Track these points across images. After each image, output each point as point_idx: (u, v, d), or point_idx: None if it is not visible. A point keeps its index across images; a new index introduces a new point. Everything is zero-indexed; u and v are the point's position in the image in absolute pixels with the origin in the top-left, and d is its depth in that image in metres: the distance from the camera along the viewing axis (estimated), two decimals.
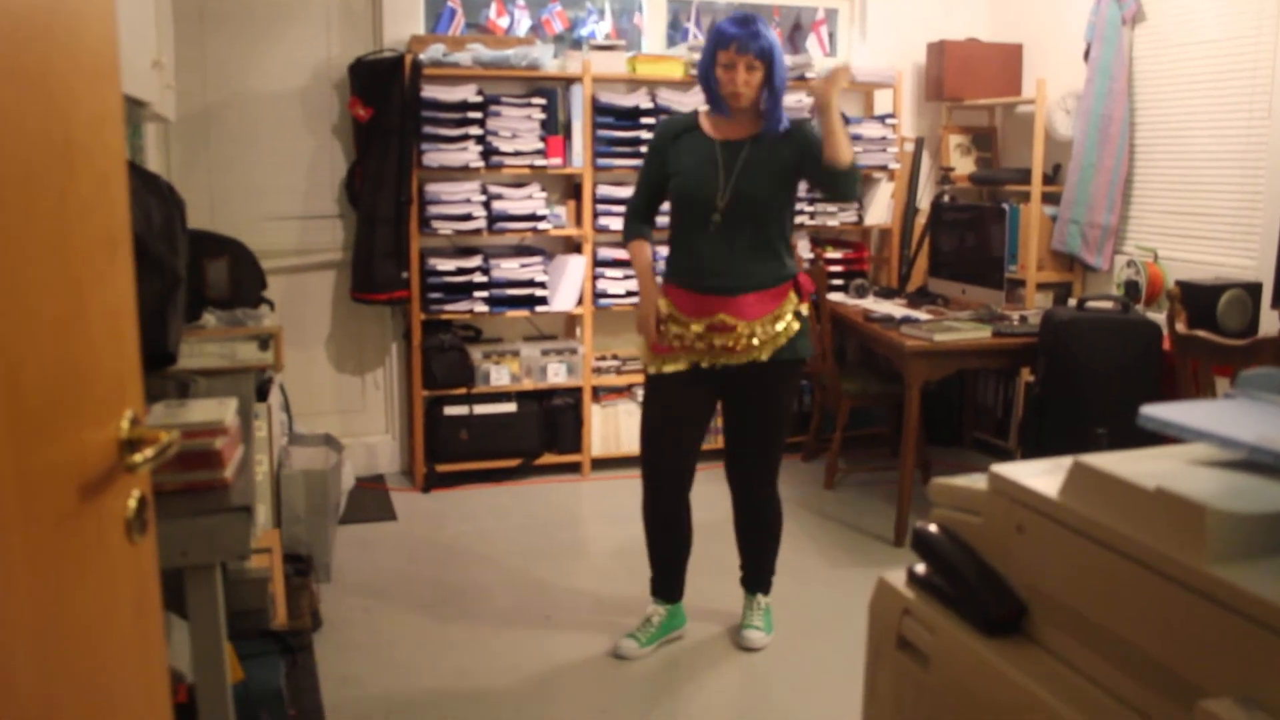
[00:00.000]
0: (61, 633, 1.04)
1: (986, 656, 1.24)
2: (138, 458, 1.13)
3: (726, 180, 2.99)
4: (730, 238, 3.00)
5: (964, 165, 5.47)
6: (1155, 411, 1.17)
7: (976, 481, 1.40)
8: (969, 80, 5.23)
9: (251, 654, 2.26)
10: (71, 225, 1.11)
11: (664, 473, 3.16)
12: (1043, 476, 1.26)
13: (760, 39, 2.91)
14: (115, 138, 1.24)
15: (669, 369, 3.09)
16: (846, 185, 2.96)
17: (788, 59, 4.99)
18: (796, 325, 3.07)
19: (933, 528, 1.44)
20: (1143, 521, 1.09)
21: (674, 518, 3.21)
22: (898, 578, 1.45)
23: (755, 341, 3.01)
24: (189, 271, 2.57)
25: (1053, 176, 5.08)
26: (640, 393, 4.93)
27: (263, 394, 3.13)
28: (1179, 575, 1.03)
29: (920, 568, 1.43)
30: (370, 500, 4.60)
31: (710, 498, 3.75)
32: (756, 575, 3.37)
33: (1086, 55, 4.78)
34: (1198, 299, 3.72)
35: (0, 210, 0.95)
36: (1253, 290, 3.82)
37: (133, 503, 1.18)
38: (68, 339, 1.08)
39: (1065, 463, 1.25)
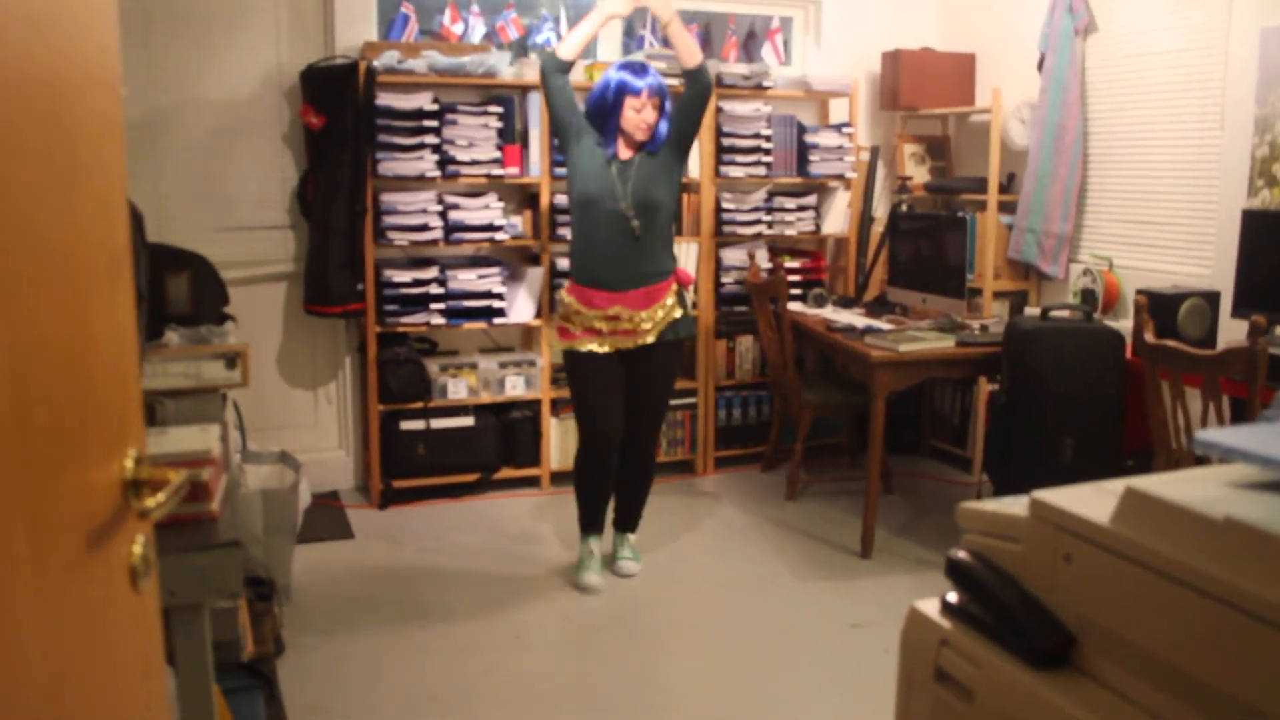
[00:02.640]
0: (74, 696, 0.95)
1: (1037, 690, 1.20)
2: (150, 503, 1.04)
3: (626, 191, 3.58)
4: (627, 242, 3.59)
5: (918, 174, 5.49)
6: (1210, 437, 1.15)
7: (1010, 506, 1.36)
8: (923, 89, 5.25)
9: (230, 690, 2.16)
10: (73, 248, 1.03)
11: (606, 435, 3.69)
12: (1089, 502, 1.23)
13: (661, 83, 3.61)
14: (115, 153, 1.15)
15: (586, 348, 3.64)
16: (703, 78, 3.63)
17: (743, 67, 4.99)
18: (678, 312, 3.69)
19: (964, 554, 1.39)
20: (1209, 551, 1.05)
21: (609, 469, 3.78)
22: (931, 606, 1.40)
23: (646, 327, 3.63)
24: (150, 288, 2.46)
25: (1007, 185, 5.11)
26: None
27: None
28: (1254, 608, 0.99)
29: (954, 596, 1.38)
30: (326, 518, 4.47)
31: None
32: (631, 517, 3.98)
33: (1040, 65, 4.81)
34: (1159, 308, 3.75)
35: (3, 234, 0.87)
36: (1210, 298, 3.87)
37: (138, 549, 1.09)
38: (76, 371, 0.99)
39: (1111, 487, 1.22)
